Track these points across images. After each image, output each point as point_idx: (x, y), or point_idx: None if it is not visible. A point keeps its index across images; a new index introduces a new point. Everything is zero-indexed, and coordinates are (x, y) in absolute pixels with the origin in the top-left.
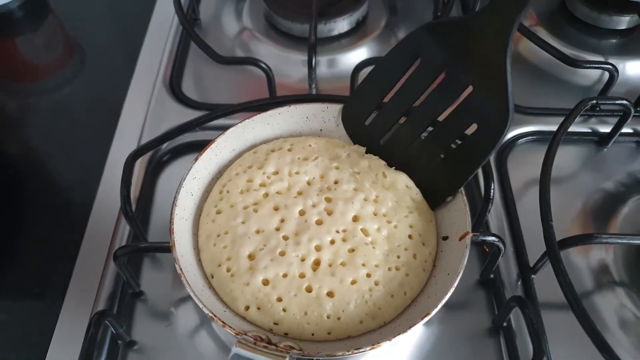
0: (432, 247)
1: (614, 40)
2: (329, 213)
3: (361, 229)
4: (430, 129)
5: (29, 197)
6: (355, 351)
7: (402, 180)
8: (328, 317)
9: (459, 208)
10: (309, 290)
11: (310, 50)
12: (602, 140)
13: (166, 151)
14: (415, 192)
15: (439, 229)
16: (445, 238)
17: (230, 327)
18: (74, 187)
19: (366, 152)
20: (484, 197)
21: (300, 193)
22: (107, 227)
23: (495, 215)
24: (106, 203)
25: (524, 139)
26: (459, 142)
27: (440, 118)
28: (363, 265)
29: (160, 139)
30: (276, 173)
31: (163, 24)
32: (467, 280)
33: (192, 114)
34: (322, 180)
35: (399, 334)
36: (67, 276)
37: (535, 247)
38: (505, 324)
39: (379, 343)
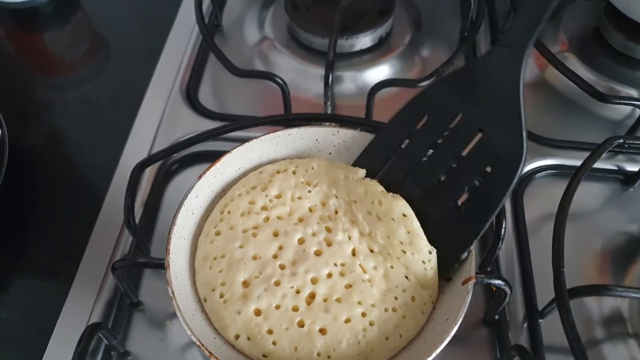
0: (432, 289)
1: None
2: (329, 244)
3: (360, 265)
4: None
5: (40, 196)
6: None
7: (399, 208)
8: (318, 354)
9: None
10: (301, 325)
11: (327, 67)
12: (628, 179)
13: (176, 160)
14: (412, 221)
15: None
16: (448, 279)
17: (216, 357)
18: (85, 189)
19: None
20: (494, 235)
21: (301, 220)
22: (112, 233)
23: (507, 252)
24: (113, 208)
25: (543, 172)
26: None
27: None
28: (359, 303)
29: (169, 150)
30: (279, 196)
31: (185, 28)
32: (471, 317)
33: (205, 123)
34: (323, 208)
35: None
36: (70, 280)
37: (546, 288)
38: None
39: None
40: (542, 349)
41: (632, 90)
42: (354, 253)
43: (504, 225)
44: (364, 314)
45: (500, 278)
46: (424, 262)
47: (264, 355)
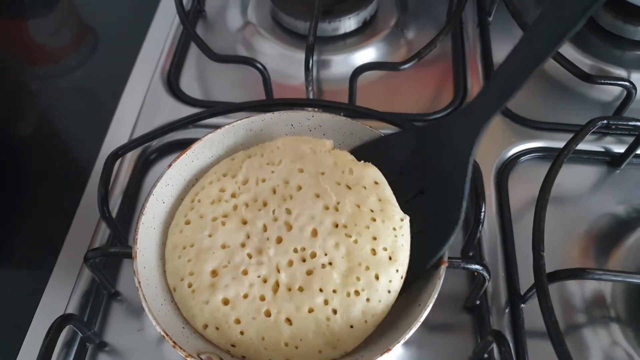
0: (400, 262)
1: (639, 53)
2: (289, 228)
3: (319, 246)
4: None
5: (20, 186)
6: None
7: (370, 175)
8: (286, 344)
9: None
10: (267, 314)
11: (307, 51)
12: (614, 160)
13: (154, 149)
14: (384, 189)
15: None
16: None
17: (180, 348)
18: (66, 178)
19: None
20: (474, 219)
21: (265, 204)
22: (91, 223)
23: (490, 237)
24: (93, 198)
25: (529, 155)
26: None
27: None
28: (320, 290)
29: (143, 138)
30: (245, 182)
31: (167, 15)
32: (452, 304)
33: (186, 111)
34: (286, 187)
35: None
36: (48, 270)
37: (528, 273)
38: (486, 355)
39: None
40: (523, 334)
41: (621, 70)
42: (314, 234)
43: (483, 209)
44: (326, 302)
45: (478, 263)
46: (394, 229)
47: (232, 345)
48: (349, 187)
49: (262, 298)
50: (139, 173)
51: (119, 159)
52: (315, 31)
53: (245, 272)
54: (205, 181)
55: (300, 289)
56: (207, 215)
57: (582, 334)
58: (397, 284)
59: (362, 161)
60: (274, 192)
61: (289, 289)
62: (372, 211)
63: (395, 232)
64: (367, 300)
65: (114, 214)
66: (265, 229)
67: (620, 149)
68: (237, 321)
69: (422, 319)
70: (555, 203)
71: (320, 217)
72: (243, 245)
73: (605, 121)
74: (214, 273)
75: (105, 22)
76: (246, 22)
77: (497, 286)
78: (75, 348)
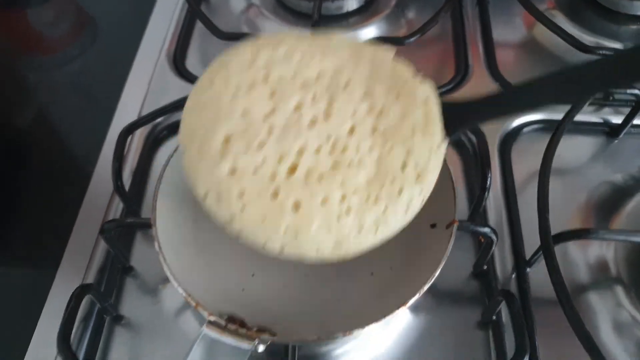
0: (426, 184)
1: (634, 27)
2: (326, 116)
3: (353, 144)
4: None
5: (30, 170)
6: (327, 337)
7: (425, 90)
8: (285, 231)
9: (447, 195)
10: (275, 195)
11: (313, 29)
12: (613, 131)
13: (164, 127)
14: (433, 107)
15: (427, 217)
16: (433, 226)
17: (203, 307)
18: (75, 160)
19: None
20: (480, 187)
21: (304, 85)
22: (103, 200)
23: (495, 205)
24: (104, 176)
25: (530, 127)
26: None
27: None
28: (341, 185)
29: (154, 114)
30: (287, 56)
31: None
32: (460, 270)
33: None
34: (332, 77)
35: (372, 322)
36: (62, 248)
37: (533, 239)
38: (494, 317)
39: (351, 331)
40: (529, 298)
41: (617, 43)
42: (352, 131)
43: (489, 176)
44: (343, 198)
45: (486, 226)
46: (431, 148)
47: (230, 220)
48: (398, 96)
49: (273, 177)
50: (149, 151)
51: (131, 136)
52: (319, 9)
53: (260, 145)
54: (238, 48)
55: (320, 177)
56: (233, 77)
57: (587, 297)
58: (416, 205)
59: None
60: (318, 77)
61: (307, 175)
62: (414, 125)
63: (430, 152)
64: (384, 211)
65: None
66: (298, 107)
67: (618, 119)
68: (241, 194)
69: (436, 273)
70: (556, 173)
71: (362, 117)
72: (265, 117)
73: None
74: (227, 140)
75: (105, 8)
76: (249, 3)
77: (503, 253)
78: (92, 321)
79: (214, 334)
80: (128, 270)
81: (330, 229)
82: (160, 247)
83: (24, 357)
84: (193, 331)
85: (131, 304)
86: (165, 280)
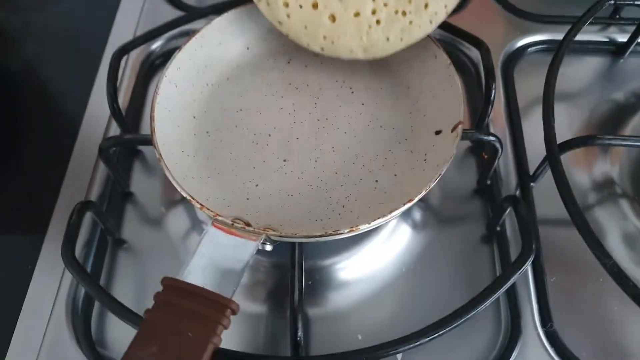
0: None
1: None
2: None
3: None
4: None
5: (25, 101)
6: (332, 233)
7: None
8: (324, 37)
9: (453, 99)
10: (315, 6)
11: None
12: (618, 50)
13: (159, 54)
14: None
15: (432, 124)
16: (438, 132)
17: (208, 208)
18: (68, 91)
19: None
20: (484, 98)
21: None
22: (99, 128)
23: (498, 125)
24: (98, 105)
25: (533, 47)
26: None
27: None
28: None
29: (148, 35)
30: None
31: None
32: (464, 189)
33: None
34: None
35: (378, 218)
36: (60, 177)
37: (536, 158)
38: (499, 228)
39: (357, 226)
40: (533, 212)
41: None
42: None
43: (493, 86)
44: (374, 11)
45: (491, 134)
46: None
47: (279, 24)
48: None
49: None
50: (143, 78)
51: (125, 57)
52: None
53: None
54: None
55: None
56: None
57: (593, 212)
58: (441, 17)
59: None
60: None
61: None
62: None
63: None
64: (410, 22)
65: None
66: None
67: (623, 38)
68: (285, 4)
69: (442, 170)
70: (561, 93)
71: None
72: None
73: (612, 1)
74: None
75: None
76: None
77: (507, 168)
78: (95, 243)
79: (219, 232)
80: (128, 195)
81: (362, 38)
82: (161, 155)
83: (33, 270)
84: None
85: (132, 228)
86: (166, 205)
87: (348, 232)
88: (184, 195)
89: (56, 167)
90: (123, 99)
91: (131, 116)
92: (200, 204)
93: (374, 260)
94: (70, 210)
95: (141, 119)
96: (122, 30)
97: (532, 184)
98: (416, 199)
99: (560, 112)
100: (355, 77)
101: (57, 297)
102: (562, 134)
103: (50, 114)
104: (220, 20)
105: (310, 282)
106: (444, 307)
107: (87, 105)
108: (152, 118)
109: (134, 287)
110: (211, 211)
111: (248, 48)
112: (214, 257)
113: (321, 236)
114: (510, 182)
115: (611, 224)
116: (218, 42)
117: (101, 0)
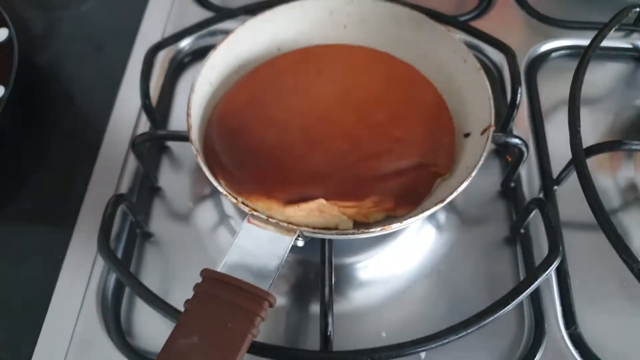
0: None
1: None
2: None
3: None
4: None
5: (54, 97)
6: (365, 231)
7: None
8: None
9: (483, 103)
10: None
11: None
12: None
13: (188, 52)
14: None
15: (461, 127)
16: (467, 135)
17: (244, 203)
18: (96, 87)
19: None
20: (509, 103)
21: None
22: (129, 123)
23: (522, 128)
24: (127, 101)
25: (557, 52)
26: None
27: None
28: None
29: (180, 34)
30: None
31: None
32: (488, 191)
33: None
34: None
35: (410, 218)
36: (89, 170)
37: (559, 162)
38: (522, 230)
39: (390, 225)
40: (556, 214)
41: None
42: None
43: (519, 91)
44: None
45: (517, 137)
46: None
47: None
48: None
49: None
50: (172, 76)
51: (156, 55)
52: None
53: None
54: None
55: None
56: None
57: (617, 216)
58: None
59: None
60: None
61: None
62: None
63: None
64: None
65: None
66: None
67: None
68: None
69: (473, 173)
70: (585, 98)
71: None
72: None
73: (637, 9)
74: None
75: None
76: None
77: (530, 173)
78: (125, 236)
79: (255, 227)
80: (156, 190)
81: None
82: (197, 150)
83: (63, 260)
84: (221, 247)
85: (161, 222)
86: (195, 200)
87: (380, 230)
88: (221, 190)
89: (85, 161)
90: (152, 95)
91: (160, 112)
92: (237, 199)
93: (398, 260)
94: (98, 203)
95: (169, 115)
96: (151, 28)
97: (555, 187)
98: (447, 200)
99: (583, 117)
100: None
101: (87, 288)
102: (585, 138)
103: (78, 109)
104: (253, 22)
105: (335, 280)
106: (467, 307)
107: (116, 101)
108: (188, 115)
109: (160, 279)
110: (247, 207)
111: (279, 49)
112: (251, 251)
113: (354, 233)
114: (533, 185)
115: (634, 228)
116: (250, 42)
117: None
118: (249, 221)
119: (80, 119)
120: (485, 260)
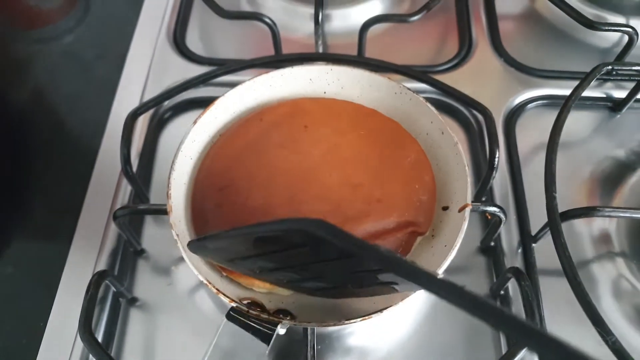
0: None
1: (638, 0)
2: None
3: None
4: None
5: (34, 148)
6: (345, 322)
7: None
8: None
9: (460, 178)
10: None
11: (317, 4)
12: (616, 105)
13: (168, 108)
14: None
15: (439, 199)
16: (445, 208)
17: (224, 294)
18: (77, 144)
19: None
20: (488, 165)
21: None
22: (110, 185)
23: (500, 181)
24: (108, 160)
25: (534, 103)
26: None
27: None
28: None
29: (160, 98)
30: None
31: None
32: (468, 246)
33: (195, 69)
34: None
35: (390, 306)
36: (71, 231)
37: (538, 214)
38: (502, 292)
39: (369, 315)
40: (536, 272)
41: (620, 17)
42: None
43: (497, 155)
44: None
45: (496, 205)
46: None
47: None
48: None
49: None
50: (153, 132)
51: (137, 120)
52: None
53: None
54: None
55: None
56: None
57: (590, 268)
58: None
59: None
60: None
61: None
62: None
63: None
64: None
65: None
66: None
67: (621, 94)
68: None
69: (450, 257)
70: (560, 148)
71: None
72: None
73: (610, 67)
74: None
75: None
76: None
77: (509, 228)
78: (108, 305)
79: (235, 322)
80: (139, 252)
81: None
82: (177, 235)
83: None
84: (206, 312)
85: (145, 285)
86: (178, 260)
87: (361, 320)
88: (201, 279)
89: (67, 221)
90: (133, 153)
91: (142, 170)
92: (217, 290)
93: (382, 324)
94: (79, 269)
95: (151, 174)
96: (131, 80)
97: (533, 244)
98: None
99: (560, 166)
100: None
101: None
102: (562, 190)
103: (59, 162)
104: (233, 92)
105: (319, 347)
106: None
107: (95, 164)
108: (168, 196)
109: (145, 345)
110: (227, 297)
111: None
112: (232, 349)
113: (334, 324)
114: (513, 241)
115: (607, 280)
116: (232, 112)
117: (112, 40)
118: (229, 315)
119: (62, 175)
120: (466, 320)
